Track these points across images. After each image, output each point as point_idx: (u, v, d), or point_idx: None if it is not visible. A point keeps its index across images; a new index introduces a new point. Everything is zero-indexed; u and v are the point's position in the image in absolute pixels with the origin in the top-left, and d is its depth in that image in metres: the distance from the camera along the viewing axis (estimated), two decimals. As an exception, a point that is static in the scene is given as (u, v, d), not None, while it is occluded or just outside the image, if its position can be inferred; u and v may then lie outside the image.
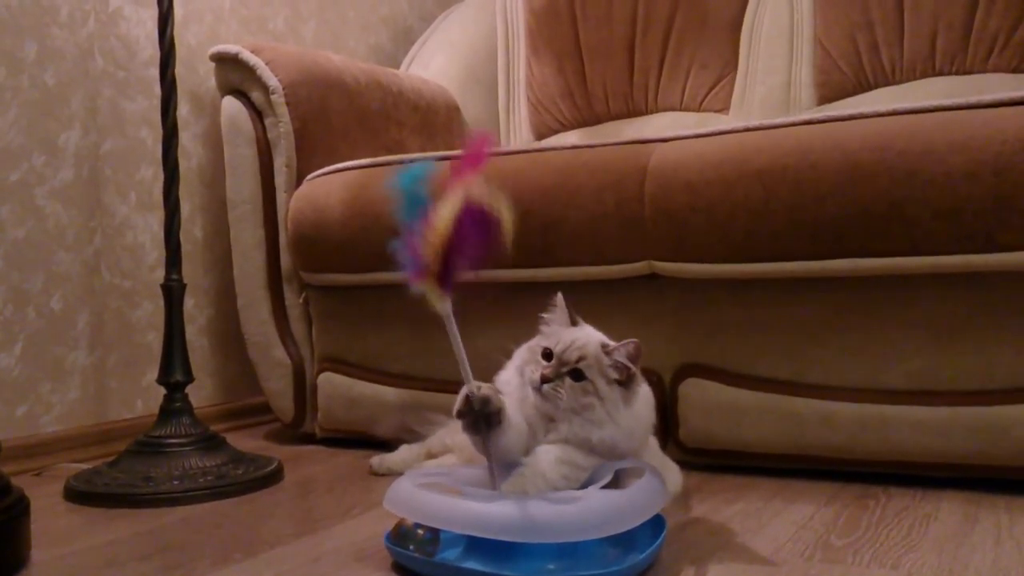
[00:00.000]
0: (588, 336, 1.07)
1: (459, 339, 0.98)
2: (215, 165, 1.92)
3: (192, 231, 1.89)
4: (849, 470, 1.34)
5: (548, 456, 1.02)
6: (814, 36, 2.00)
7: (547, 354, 1.04)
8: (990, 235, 1.19)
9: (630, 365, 1.04)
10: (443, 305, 0.95)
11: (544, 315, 1.11)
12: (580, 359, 1.03)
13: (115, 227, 1.73)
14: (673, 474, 1.22)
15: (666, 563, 1.00)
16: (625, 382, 1.05)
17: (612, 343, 1.06)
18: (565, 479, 1.01)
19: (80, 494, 1.36)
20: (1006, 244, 1.19)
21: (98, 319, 1.70)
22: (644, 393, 1.10)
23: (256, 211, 1.73)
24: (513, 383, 1.07)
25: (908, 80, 1.90)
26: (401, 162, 1.66)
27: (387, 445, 1.52)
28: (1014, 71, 1.81)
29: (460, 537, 0.97)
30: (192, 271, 1.86)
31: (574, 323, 1.10)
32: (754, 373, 1.39)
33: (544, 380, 1.02)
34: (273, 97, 1.72)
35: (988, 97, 1.25)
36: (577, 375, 1.02)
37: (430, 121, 2.09)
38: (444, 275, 0.93)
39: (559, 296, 1.11)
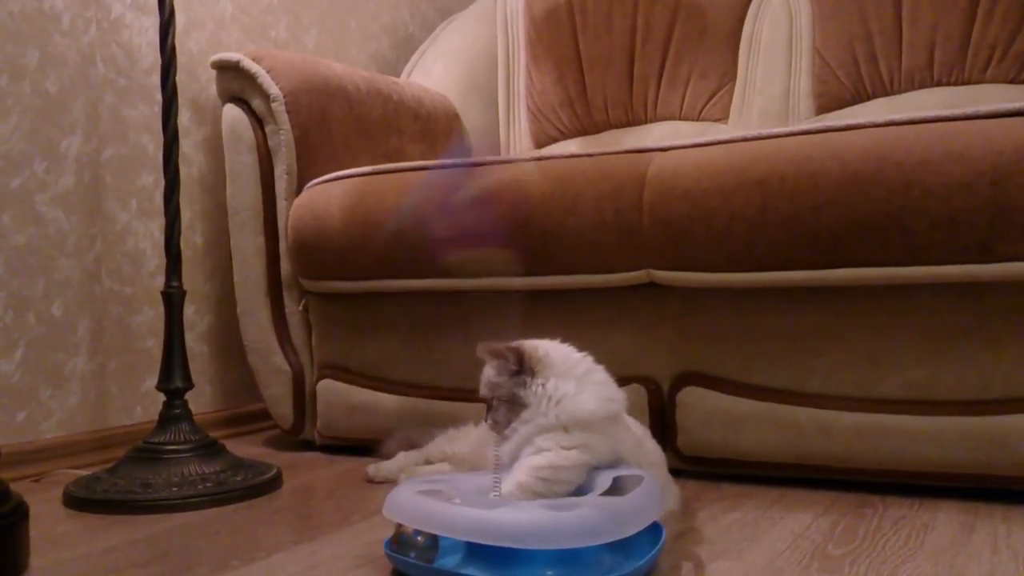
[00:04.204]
0: (487, 369, 1.14)
1: None
2: (216, 172, 1.92)
3: (192, 238, 1.89)
4: (847, 479, 1.35)
5: (526, 464, 1.05)
6: (813, 46, 2.01)
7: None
8: (987, 245, 1.19)
9: (491, 361, 1.11)
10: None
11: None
12: (483, 389, 1.13)
13: (116, 233, 1.74)
14: (671, 494, 1.22)
15: (664, 570, 1.01)
16: (516, 372, 1.09)
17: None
18: (545, 482, 1.03)
19: (79, 500, 1.36)
20: (1003, 254, 1.19)
21: (98, 325, 1.70)
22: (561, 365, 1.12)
23: (256, 218, 1.74)
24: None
25: (906, 90, 1.91)
26: (401, 170, 1.67)
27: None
28: (1012, 82, 1.81)
29: (459, 544, 0.97)
30: (192, 278, 1.86)
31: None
32: (752, 382, 1.39)
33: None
34: (274, 105, 1.72)
35: (985, 108, 1.26)
36: (490, 404, 1.12)
37: (430, 129, 2.10)
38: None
39: (481, 345, 1.16)
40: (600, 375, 1.12)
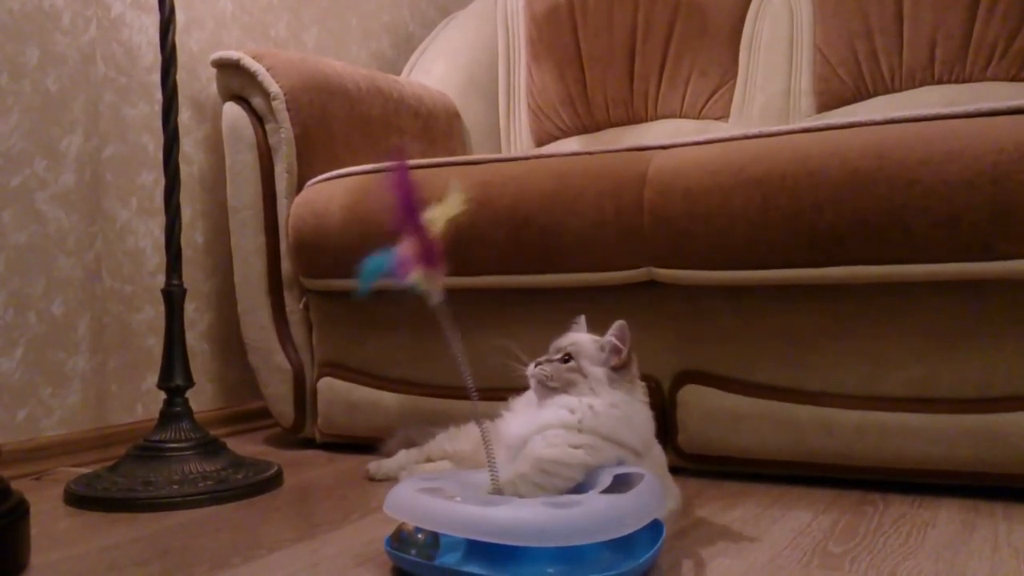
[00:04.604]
0: (586, 336, 1.17)
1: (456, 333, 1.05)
2: (216, 171, 1.92)
3: (193, 236, 1.89)
4: (848, 477, 1.35)
5: (531, 455, 1.06)
6: (813, 44, 2.01)
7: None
8: (988, 243, 1.19)
9: (619, 345, 1.12)
10: (438, 295, 1.04)
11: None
12: (571, 344, 1.14)
13: (116, 232, 1.74)
14: (671, 492, 1.22)
15: (664, 568, 1.01)
16: (619, 367, 1.12)
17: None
18: (546, 475, 1.04)
19: (80, 498, 1.36)
20: (1004, 252, 1.19)
21: (99, 324, 1.70)
22: (640, 390, 1.16)
23: (257, 217, 1.74)
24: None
25: (907, 88, 1.91)
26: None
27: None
28: (1013, 80, 1.81)
29: (460, 541, 0.97)
30: (193, 276, 1.86)
31: None
32: (753, 380, 1.39)
33: (537, 364, 1.14)
34: (274, 103, 1.72)
35: (986, 106, 1.25)
36: (566, 359, 1.13)
37: (431, 128, 2.10)
38: (435, 268, 1.03)
39: (582, 317, 1.21)
40: (643, 412, 1.15)
